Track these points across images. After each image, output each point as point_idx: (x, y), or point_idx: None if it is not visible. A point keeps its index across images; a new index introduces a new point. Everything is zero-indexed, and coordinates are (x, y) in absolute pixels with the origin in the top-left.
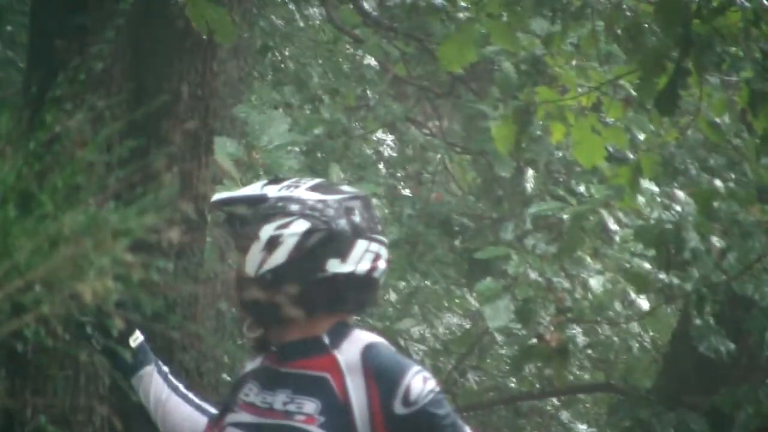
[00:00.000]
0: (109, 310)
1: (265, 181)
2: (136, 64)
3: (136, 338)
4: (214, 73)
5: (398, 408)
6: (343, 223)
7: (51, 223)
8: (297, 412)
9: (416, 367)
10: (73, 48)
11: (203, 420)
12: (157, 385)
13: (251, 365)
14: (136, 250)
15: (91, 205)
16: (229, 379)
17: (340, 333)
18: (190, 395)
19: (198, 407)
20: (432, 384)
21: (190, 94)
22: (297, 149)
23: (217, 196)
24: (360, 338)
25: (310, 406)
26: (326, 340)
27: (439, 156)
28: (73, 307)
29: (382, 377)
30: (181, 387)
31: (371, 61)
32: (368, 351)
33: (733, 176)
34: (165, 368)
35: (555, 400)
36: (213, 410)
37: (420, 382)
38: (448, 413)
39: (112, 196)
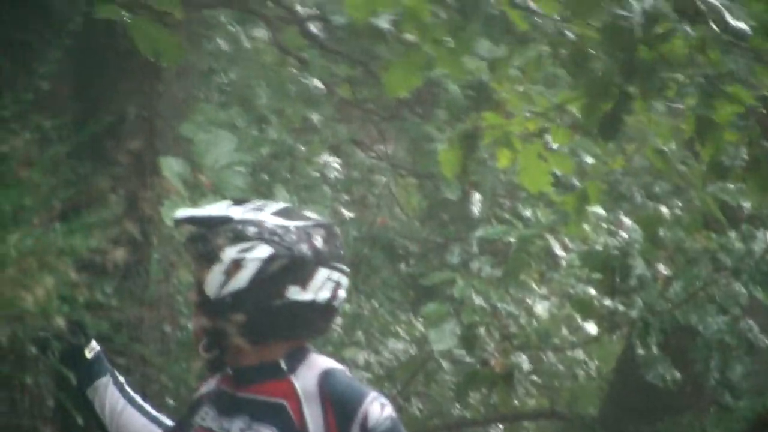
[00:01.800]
0: (56, 329)
1: (230, 202)
2: (82, 85)
3: (92, 348)
4: (159, 95)
5: None
6: (305, 250)
7: None
8: None
9: (373, 393)
10: (19, 67)
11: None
12: (113, 396)
13: (206, 387)
14: (81, 271)
15: (37, 225)
16: (173, 403)
17: (297, 357)
18: (146, 407)
19: (153, 419)
20: (389, 410)
21: (135, 115)
22: (243, 169)
23: (181, 213)
24: (317, 364)
25: None
26: (283, 365)
27: (384, 179)
28: (19, 328)
29: (339, 404)
30: (137, 398)
31: (317, 83)
32: (326, 378)
33: (678, 203)
34: (121, 378)
35: (500, 427)
36: (168, 422)
37: (378, 409)
38: None
39: (57, 216)
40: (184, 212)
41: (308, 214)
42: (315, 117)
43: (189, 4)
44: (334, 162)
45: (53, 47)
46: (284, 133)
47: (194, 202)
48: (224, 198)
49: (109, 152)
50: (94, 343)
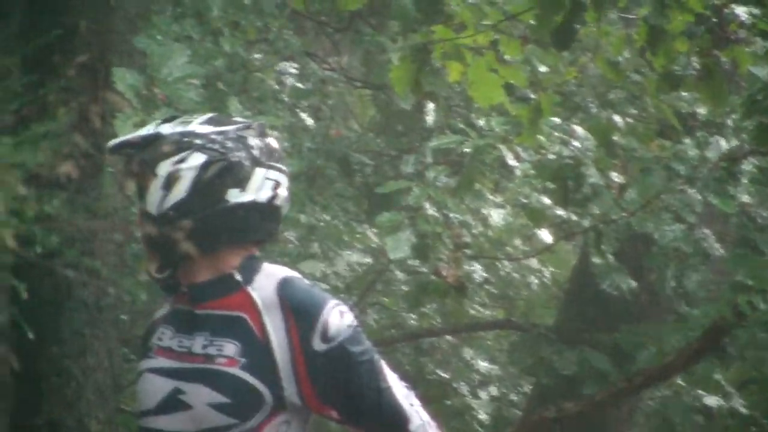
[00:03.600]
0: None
1: (159, 121)
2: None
3: None
4: (111, 7)
5: (317, 344)
6: (239, 152)
7: None
8: (217, 354)
9: (333, 301)
10: None
11: None
12: None
13: (161, 311)
14: (31, 184)
15: None
16: (125, 317)
17: (251, 268)
18: None
19: None
20: (349, 318)
21: (87, 29)
22: (197, 82)
23: (112, 142)
24: (273, 272)
25: (230, 347)
26: (238, 276)
27: (338, 91)
28: None
29: (300, 313)
30: None
31: None
32: (284, 286)
33: (633, 111)
34: None
35: (450, 338)
36: None
37: (337, 317)
38: (366, 349)
39: (6, 129)
40: (115, 140)
41: (237, 118)
42: (269, 29)
43: None
44: (289, 73)
45: None
46: (238, 45)
47: (148, 115)
48: (177, 111)
49: (59, 66)
50: None
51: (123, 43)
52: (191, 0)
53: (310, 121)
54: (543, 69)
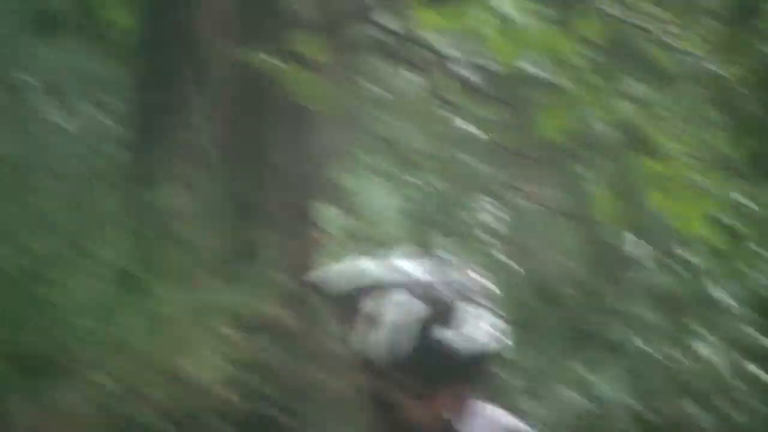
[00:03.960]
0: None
1: (363, 259)
2: (236, 137)
3: None
4: (313, 142)
5: None
6: (446, 290)
7: (158, 303)
8: None
9: None
10: (172, 123)
11: None
12: None
13: None
14: (244, 329)
15: (196, 284)
16: None
17: (469, 413)
18: None
19: None
20: None
21: (289, 164)
22: (399, 217)
23: (315, 277)
24: (493, 418)
25: None
26: (455, 421)
27: (541, 223)
28: (188, 396)
29: None
30: None
31: (470, 127)
32: None
33: None
34: None
35: None
36: None
37: None
38: None
39: (214, 274)
40: (318, 276)
41: (441, 255)
42: (469, 162)
43: (339, 50)
44: (490, 207)
45: (202, 100)
46: (439, 178)
47: (352, 252)
48: (381, 245)
49: (263, 203)
50: None
51: (327, 178)
52: (390, 133)
53: (511, 259)
54: (743, 199)
